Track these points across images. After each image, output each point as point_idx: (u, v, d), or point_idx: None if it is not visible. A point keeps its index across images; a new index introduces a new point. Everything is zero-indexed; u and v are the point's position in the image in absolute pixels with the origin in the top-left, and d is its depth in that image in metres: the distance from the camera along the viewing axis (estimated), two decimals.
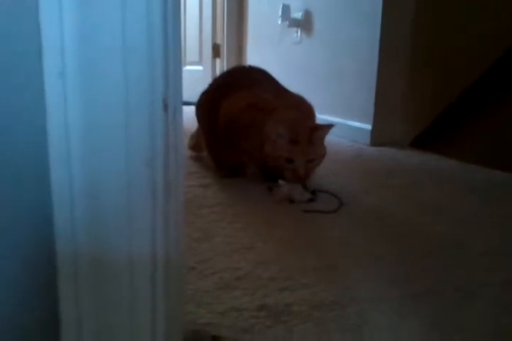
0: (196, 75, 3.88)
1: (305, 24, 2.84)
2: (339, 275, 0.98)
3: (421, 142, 2.44)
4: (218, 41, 3.97)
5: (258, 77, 1.86)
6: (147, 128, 0.41)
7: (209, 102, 1.84)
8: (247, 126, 1.59)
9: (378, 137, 2.40)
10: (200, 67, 4.05)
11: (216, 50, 3.96)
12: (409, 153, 2.27)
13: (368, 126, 2.41)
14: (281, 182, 1.53)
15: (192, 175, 1.79)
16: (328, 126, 1.57)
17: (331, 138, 2.53)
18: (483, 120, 2.37)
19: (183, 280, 0.59)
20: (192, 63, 4.20)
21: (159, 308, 0.55)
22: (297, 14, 2.87)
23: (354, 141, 2.46)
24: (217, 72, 3.96)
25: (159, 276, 0.48)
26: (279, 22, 2.97)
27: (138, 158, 0.41)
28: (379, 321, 0.81)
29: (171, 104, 0.41)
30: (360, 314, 0.83)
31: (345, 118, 2.58)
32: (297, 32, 2.91)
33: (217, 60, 3.97)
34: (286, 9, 2.92)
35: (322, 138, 1.58)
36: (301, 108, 1.68)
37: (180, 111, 0.45)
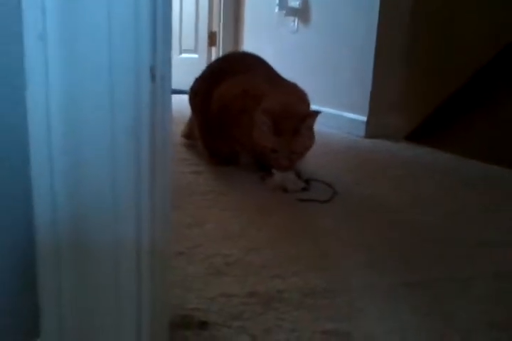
0: (191, 63, 3.83)
1: (302, 13, 2.81)
2: (331, 263, 0.97)
3: (417, 135, 2.42)
4: (214, 29, 3.92)
5: (252, 63, 1.83)
6: (132, 97, 0.38)
7: (202, 88, 1.81)
8: (238, 112, 1.57)
9: (373, 129, 2.38)
10: (195, 56, 4.01)
11: (212, 38, 3.92)
12: (404, 145, 2.26)
13: (363, 118, 2.39)
14: (274, 171, 1.51)
15: (184, 162, 1.77)
16: (315, 114, 1.52)
17: (324, 130, 2.52)
18: (479, 114, 2.36)
19: (170, 260, 0.57)
20: (187, 51, 4.16)
21: (144, 292, 0.53)
22: (294, 3, 2.84)
23: (349, 133, 2.44)
24: None
25: (144, 256, 0.46)
26: (276, 10, 2.93)
27: (123, 127, 0.39)
28: (370, 309, 0.79)
29: (158, 73, 0.39)
30: (352, 302, 0.81)
31: (340, 109, 2.55)
32: (294, 21, 2.88)
33: (213, 49, 3.93)
34: None
35: (310, 128, 1.53)
36: (294, 94, 1.65)
37: (169, 82, 0.43)
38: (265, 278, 0.89)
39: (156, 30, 0.38)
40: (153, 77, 0.39)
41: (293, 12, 2.86)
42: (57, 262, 0.47)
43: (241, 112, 1.56)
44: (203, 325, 0.73)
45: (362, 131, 2.39)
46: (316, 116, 1.51)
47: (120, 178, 0.40)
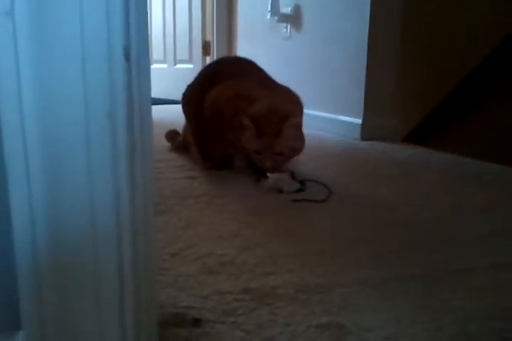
0: (186, 73, 3.85)
1: (294, 19, 2.83)
2: (327, 260, 0.95)
3: (414, 137, 2.42)
4: (208, 38, 3.94)
5: (245, 68, 1.84)
6: (107, 77, 0.38)
7: (195, 93, 1.81)
8: (231, 115, 1.56)
9: (369, 132, 2.38)
10: (190, 66, 4.02)
11: (206, 48, 3.94)
12: (400, 147, 2.25)
13: (358, 121, 2.39)
14: (269, 173, 1.51)
15: (179, 168, 1.76)
16: (298, 113, 1.52)
17: (320, 134, 2.52)
18: (477, 113, 2.35)
19: (155, 247, 0.56)
20: (182, 61, 4.18)
21: (127, 285, 0.52)
22: (286, 9, 2.86)
23: (344, 136, 2.44)
24: None
25: (125, 242, 0.45)
26: (268, 17, 2.95)
27: (98, 108, 0.38)
28: (366, 303, 0.78)
29: (133, 52, 0.39)
30: (347, 297, 0.80)
31: (335, 113, 2.56)
32: (286, 27, 2.89)
33: (208, 58, 3.94)
34: (275, 4, 2.89)
35: (295, 127, 1.52)
36: (286, 97, 1.65)
37: (146, 62, 0.43)
38: (259, 275, 0.87)
39: (129, 8, 0.37)
40: (127, 56, 0.38)
41: (285, 18, 2.87)
42: (33, 252, 0.46)
43: (233, 115, 1.55)
44: (196, 322, 0.72)
45: (357, 134, 2.38)
46: (300, 115, 1.52)
47: (96, 157, 0.40)
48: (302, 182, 1.49)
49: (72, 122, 0.38)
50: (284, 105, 1.55)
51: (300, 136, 1.56)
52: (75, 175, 0.40)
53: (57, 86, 0.38)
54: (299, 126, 1.55)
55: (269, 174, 1.50)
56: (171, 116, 3.05)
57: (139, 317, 0.55)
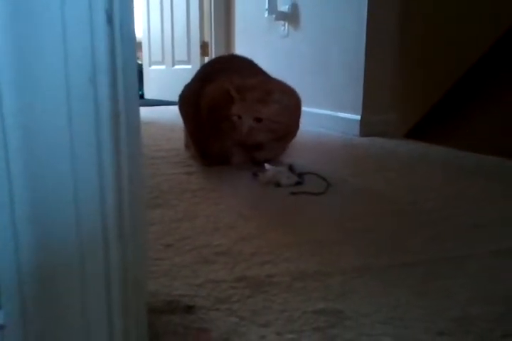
0: (185, 74, 3.84)
1: (292, 17, 2.82)
2: (324, 248, 0.94)
3: (415, 133, 2.40)
4: (206, 39, 3.94)
5: (241, 65, 1.83)
6: (88, 41, 0.36)
7: (192, 93, 1.80)
8: (226, 105, 1.56)
9: (368, 128, 2.36)
10: (188, 66, 4.01)
11: (204, 48, 3.93)
12: (400, 142, 2.23)
13: (357, 117, 2.38)
14: (267, 166, 1.49)
15: (176, 164, 1.75)
16: (289, 96, 1.58)
17: (319, 130, 2.51)
18: (478, 109, 2.34)
19: (145, 231, 0.55)
20: (180, 62, 4.17)
21: (113, 272, 0.50)
22: (284, 7, 2.85)
23: (343, 133, 2.42)
24: None
25: (111, 222, 0.44)
26: (266, 15, 2.94)
27: (79, 74, 0.37)
28: (363, 289, 0.76)
29: (116, 16, 0.37)
30: (344, 283, 0.78)
31: (334, 110, 2.54)
32: (284, 25, 2.89)
33: (206, 59, 3.93)
34: (272, 2, 2.89)
35: (279, 103, 1.55)
36: (282, 87, 1.65)
37: (131, 28, 0.41)
38: (255, 264, 0.86)
39: None
40: (109, 19, 0.37)
41: (282, 16, 2.86)
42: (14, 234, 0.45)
43: (229, 104, 1.55)
44: (189, 309, 0.70)
45: (357, 130, 2.37)
46: (292, 99, 1.54)
47: (78, 124, 0.38)
48: (300, 175, 1.47)
49: (52, 88, 0.37)
50: (276, 86, 1.58)
51: (287, 113, 1.57)
52: (55, 143, 0.39)
53: (36, 50, 0.36)
54: (288, 106, 1.58)
55: (267, 167, 1.48)
56: (171, 117, 3.04)
57: (127, 304, 0.54)
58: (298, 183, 1.43)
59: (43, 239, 0.48)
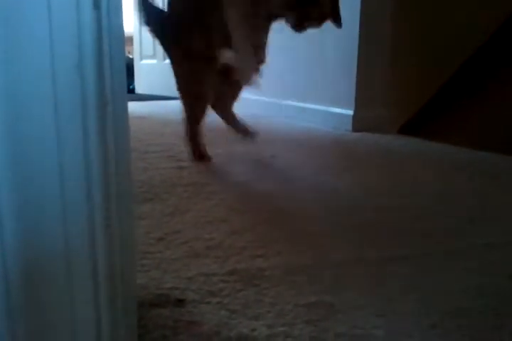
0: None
1: None
2: (317, 242, 0.93)
3: (409, 128, 2.40)
4: None
5: None
6: (75, 25, 0.35)
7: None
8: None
9: (360, 123, 2.36)
10: None
11: None
12: (393, 137, 2.23)
13: (350, 112, 2.37)
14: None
15: (169, 159, 1.74)
16: None
17: (311, 125, 2.50)
18: (473, 104, 2.34)
19: (133, 224, 0.54)
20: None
21: (99, 257, 0.49)
22: None
23: (335, 128, 2.42)
24: None
25: (97, 214, 0.43)
26: None
27: (65, 58, 0.35)
28: (356, 283, 0.76)
29: (103, 2, 0.36)
30: (337, 277, 0.78)
31: (326, 104, 2.53)
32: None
33: None
34: None
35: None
36: None
37: (119, 14, 0.40)
38: (246, 258, 0.85)
39: None
40: (96, 3, 0.36)
41: None
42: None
43: None
44: (180, 302, 0.69)
45: (349, 126, 2.36)
46: None
47: (63, 110, 0.37)
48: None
49: (37, 75, 0.36)
50: None
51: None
52: (40, 133, 0.38)
53: (21, 35, 0.35)
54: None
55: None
56: (163, 112, 3.03)
57: (114, 297, 0.53)
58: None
59: (28, 234, 0.47)
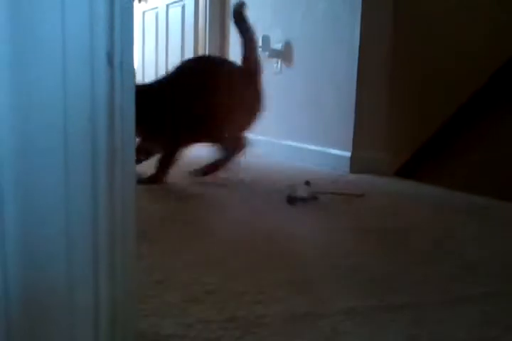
0: None
1: (285, 55, 2.87)
2: (315, 287, 0.93)
3: (405, 171, 2.42)
4: None
5: None
6: (88, 81, 0.37)
7: None
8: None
9: (358, 165, 2.38)
10: None
11: None
12: (390, 180, 2.25)
13: (348, 154, 2.40)
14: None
15: (164, 195, 1.74)
16: None
17: (309, 166, 2.52)
18: (469, 148, 2.37)
19: (134, 266, 0.54)
20: None
21: (102, 301, 0.49)
22: (277, 45, 2.91)
23: (334, 169, 2.44)
24: None
25: (102, 249, 0.43)
26: (259, 52, 3.00)
27: (78, 111, 0.37)
28: (354, 332, 0.75)
29: (117, 57, 0.38)
30: (335, 326, 0.77)
31: (324, 146, 2.57)
32: (277, 62, 2.94)
33: None
34: (266, 40, 2.95)
35: None
36: None
37: (131, 68, 0.42)
38: (246, 303, 0.85)
39: (114, 13, 0.37)
40: (110, 61, 0.38)
41: (276, 54, 2.92)
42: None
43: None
44: None
45: (347, 167, 2.39)
46: None
47: (74, 162, 0.38)
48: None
49: (51, 127, 0.37)
50: None
51: None
52: (51, 177, 0.39)
53: (37, 91, 0.37)
54: None
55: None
56: None
57: None
58: (314, 198, 1.44)
59: (32, 274, 0.47)
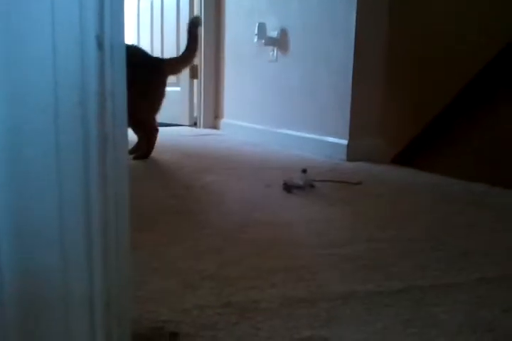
0: (174, 96, 3.85)
1: (281, 42, 2.86)
2: (311, 274, 0.93)
3: (402, 158, 2.42)
4: (196, 62, 3.96)
5: None
6: (79, 64, 0.37)
7: None
8: None
9: (355, 152, 2.38)
10: (177, 89, 4.03)
11: (194, 71, 3.96)
12: (387, 167, 2.25)
13: (344, 142, 2.40)
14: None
15: (161, 187, 1.74)
16: None
17: (306, 154, 2.52)
18: (466, 135, 2.37)
19: (128, 251, 0.54)
20: (170, 84, 4.18)
21: (96, 288, 0.50)
22: (273, 33, 2.89)
23: (330, 157, 2.44)
24: (195, 93, 3.95)
25: (94, 233, 0.43)
26: (255, 40, 2.98)
27: (68, 97, 0.37)
28: (350, 317, 0.76)
29: (107, 41, 0.38)
30: (331, 311, 0.78)
31: (321, 134, 2.56)
32: (273, 50, 2.92)
33: (195, 81, 3.96)
34: (262, 28, 2.93)
35: None
36: None
37: (121, 53, 0.42)
38: (241, 289, 0.85)
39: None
40: (100, 44, 0.37)
41: (272, 42, 2.90)
42: None
43: None
44: (174, 336, 0.69)
45: (343, 155, 2.38)
46: None
47: (66, 146, 0.38)
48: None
49: (41, 111, 0.37)
50: None
51: None
52: (43, 163, 0.39)
53: (26, 76, 0.36)
54: None
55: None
56: (159, 138, 3.04)
57: (110, 330, 0.53)
58: (310, 186, 1.45)
59: (26, 264, 0.47)
